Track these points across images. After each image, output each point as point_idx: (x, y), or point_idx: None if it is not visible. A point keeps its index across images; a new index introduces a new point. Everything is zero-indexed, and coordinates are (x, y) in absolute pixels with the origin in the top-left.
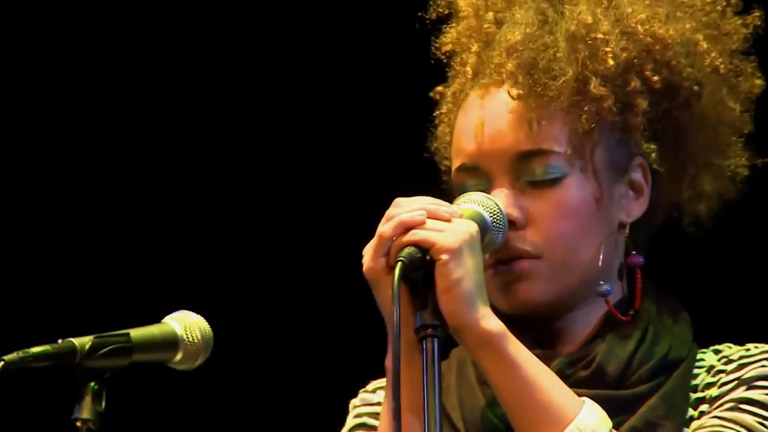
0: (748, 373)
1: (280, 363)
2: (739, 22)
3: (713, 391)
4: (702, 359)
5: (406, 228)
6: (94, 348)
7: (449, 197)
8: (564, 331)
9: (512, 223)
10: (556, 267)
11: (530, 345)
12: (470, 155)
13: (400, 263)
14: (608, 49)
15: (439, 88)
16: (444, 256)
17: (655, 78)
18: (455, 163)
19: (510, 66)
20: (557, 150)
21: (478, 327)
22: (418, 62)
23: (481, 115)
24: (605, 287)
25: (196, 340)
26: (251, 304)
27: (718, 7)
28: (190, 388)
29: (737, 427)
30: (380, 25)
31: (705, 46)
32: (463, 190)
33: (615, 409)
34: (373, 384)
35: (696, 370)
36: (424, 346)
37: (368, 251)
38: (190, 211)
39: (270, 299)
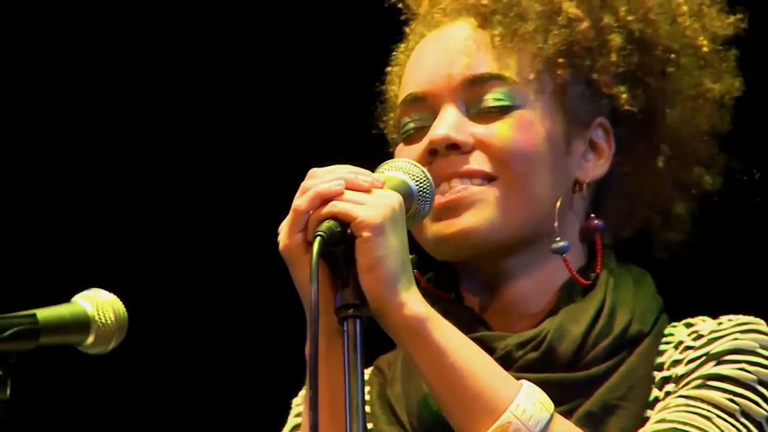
0: (718, 347)
1: (203, 351)
2: (724, 19)
3: (680, 369)
4: (671, 334)
5: (324, 200)
6: None
7: None
8: (518, 301)
9: (456, 147)
10: (509, 190)
11: (479, 326)
12: (418, 82)
13: (318, 238)
14: None
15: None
16: (365, 233)
17: (629, 18)
18: (401, 97)
19: None
20: (514, 78)
21: (402, 311)
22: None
23: (434, 44)
24: (561, 243)
25: (109, 322)
26: (169, 283)
27: (705, 3)
28: (103, 373)
29: (705, 406)
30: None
31: (686, 16)
32: (405, 126)
33: (568, 393)
34: None
35: (662, 346)
36: (345, 328)
37: (283, 227)
38: (107, 186)
39: (190, 281)
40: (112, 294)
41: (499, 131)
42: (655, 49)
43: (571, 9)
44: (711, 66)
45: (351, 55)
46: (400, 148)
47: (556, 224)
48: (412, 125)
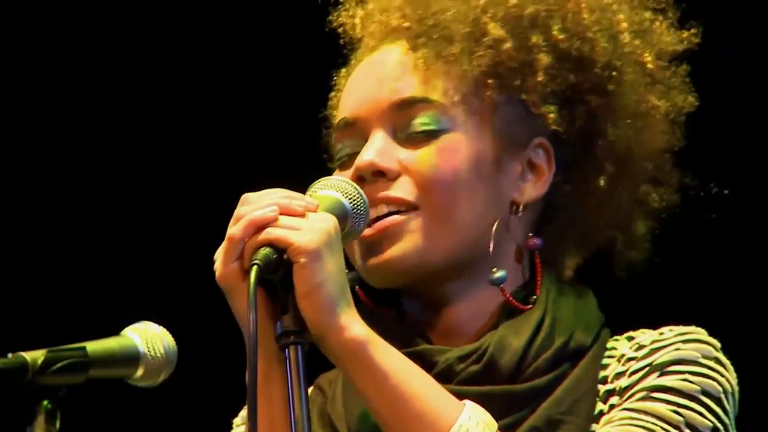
0: (661, 358)
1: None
2: (674, 35)
3: (623, 381)
4: (613, 347)
5: (258, 227)
6: (47, 363)
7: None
8: (459, 323)
9: (382, 174)
10: (434, 219)
11: (420, 340)
12: (349, 108)
13: (255, 267)
14: None
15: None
16: (302, 259)
17: (561, 37)
18: (335, 123)
19: (397, 2)
20: (442, 101)
21: (342, 334)
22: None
23: (366, 69)
24: (498, 274)
25: (158, 355)
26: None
27: (650, 15)
28: (150, 404)
29: (649, 418)
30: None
31: (627, 33)
32: (339, 152)
33: (510, 406)
34: None
35: (605, 360)
36: (287, 355)
37: (219, 256)
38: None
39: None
40: (161, 327)
41: (423, 158)
42: (594, 67)
43: (496, 30)
44: (658, 83)
45: (299, 79)
46: (336, 174)
47: (491, 249)
48: (345, 151)
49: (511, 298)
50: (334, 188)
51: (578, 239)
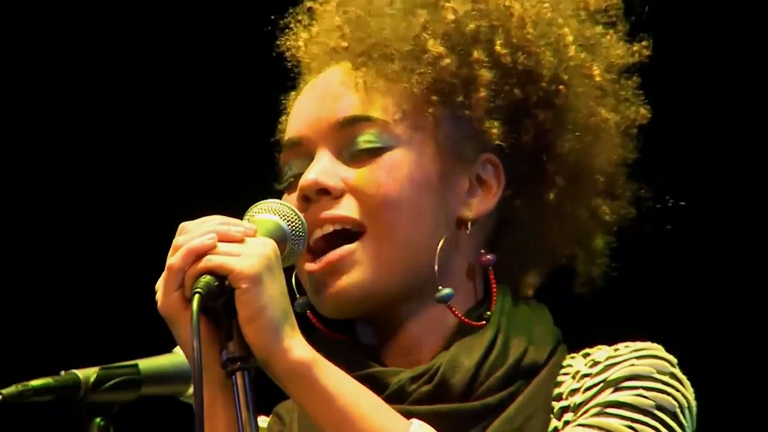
0: (615, 373)
1: None
2: (624, 47)
3: (578, 398)
4: (569, 365)
5: (197, 255)
6: (100, 380)
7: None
8: (413, 344)
9: (326, 192)
10: (381, 243)
11: (373, 363)
12: (295, 128)
13: (197, 295)
14: (449, 5)
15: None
16: (243, 284)
17: (504, 52)
18: (283, 144)
19: (337, 21)
20: (385, 118)
21: (287, 357)
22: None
23: (310, 90)
24: (444, 292)
25: None
26: None
27: (599, 28)
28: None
29: None
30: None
31: (573, 46)
32: (287, 172)
33: (461, 424)
34: None
35: (561, 377)
36: (234, 381)
37: (160, 286)
38: None
39: None
40: None
41: (367, 176)
42: (540, 81)
43: (435, 47)
44: (608, 95)
45: (247, 104)
46: (285, 198)
47: (436, 267)
48: (292, 172)
49: (460, 316)
50: (272, 211)
51: (537, 256)
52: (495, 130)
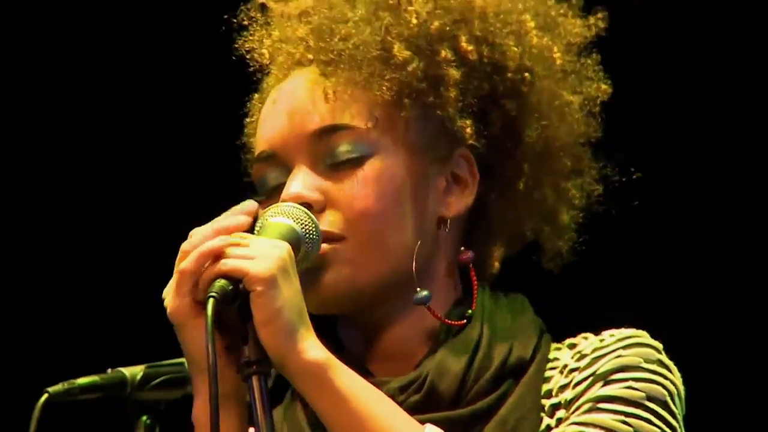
0: (603, 366)
1: None
2: (581, 23)
3: (568, 394)
4: (556, 358)
5: (210, 259)
6: (147, 378)
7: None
8: (397, 347)
9: (309, 206)
10: (362, 249)
11: (361, 369)
12: (268, 140)
13: (212, 299)
14: (412, 8)
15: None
16: (259, 287)
17: (470, 48)
18: (255, 155)
19: (300, 32)
20: (359, 126)
21: (301, 358)
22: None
23: (278, 99)
24: (421, 294)
25: None
26: None
27: (553, 4)
28: None
29: (597, 431)
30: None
31: (535, 31)
32: (263, 185)
33: (455, 430)
34: None
35: (548, 372)
36: (250, 384)
37: (169, 292)
38: None
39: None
40: None
41: (348, 190)
42: (506, 72)
43: (401, 51)
44: (570, 76)
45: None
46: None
47: (414, 270)
48: (269, 184)
49: (440, 317)
50: (285, 215)
51: (506, 241)
52: (468, 129)
